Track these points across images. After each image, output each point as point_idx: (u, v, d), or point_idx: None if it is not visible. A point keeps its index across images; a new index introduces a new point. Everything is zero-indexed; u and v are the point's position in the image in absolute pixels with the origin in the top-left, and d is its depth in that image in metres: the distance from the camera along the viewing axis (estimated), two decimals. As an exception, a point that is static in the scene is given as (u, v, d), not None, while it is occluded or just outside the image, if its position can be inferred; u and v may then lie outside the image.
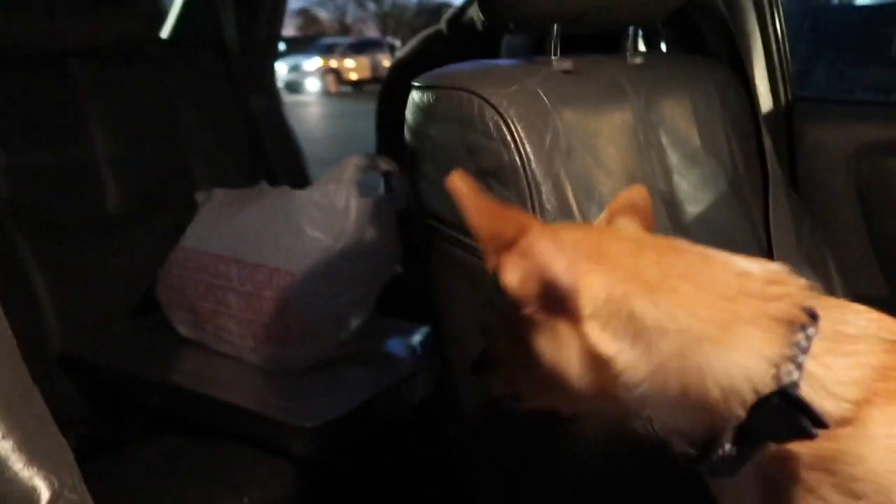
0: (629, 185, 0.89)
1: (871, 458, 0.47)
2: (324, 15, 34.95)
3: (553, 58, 0.87)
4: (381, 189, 1.37)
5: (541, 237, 0.49)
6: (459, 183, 0.50)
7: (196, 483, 1.11)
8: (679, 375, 0.49)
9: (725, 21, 1.27)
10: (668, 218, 0.96)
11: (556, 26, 0.86)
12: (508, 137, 0.71)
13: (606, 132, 0.88)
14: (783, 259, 1.11)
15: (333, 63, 17.79)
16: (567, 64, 0.88)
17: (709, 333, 0.48)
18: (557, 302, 0.49)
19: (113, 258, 1.57)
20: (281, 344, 1.25)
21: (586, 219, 0.76)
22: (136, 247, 1.60)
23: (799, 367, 0.47)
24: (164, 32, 2.03)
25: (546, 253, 0.49)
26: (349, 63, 18.09)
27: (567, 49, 0.86)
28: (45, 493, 0.39)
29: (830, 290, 1.23)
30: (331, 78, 17.63)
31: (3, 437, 0.39)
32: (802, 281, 0.52)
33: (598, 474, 0.71)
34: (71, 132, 1.56)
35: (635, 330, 0.49)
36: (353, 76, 17.96)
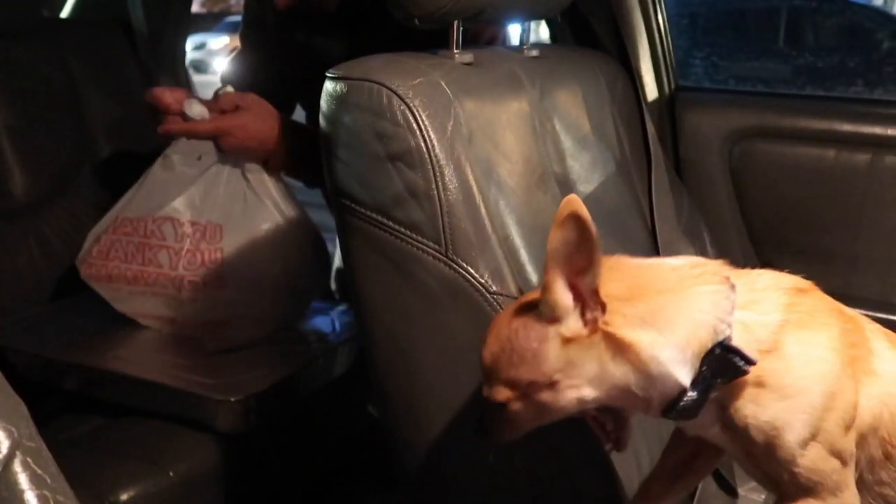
0: (525, 168, 0.99)
1: (790, 368, 0.66)
2: (230, -9, 33.69)
3: (455, 51, 0.95)
4: None
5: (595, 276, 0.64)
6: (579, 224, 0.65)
7: (120, 460, 1.13)
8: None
9: (613, 17, 1.39)
10: (562, 197, 1.06)
11: (456, 22, 0.94)
12: (414, 125, 0.79)
13: (504, 120, 0.97)
14: (665, 233, 1.25)
15: (241, 42, 17.17)
16: (468, 57, 0.97)
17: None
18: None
19: (22, 243, 1.55)
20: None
21: (485, 197, 0.85)
22: (45, 230, 1.58)
23: (729, 324, 0.65)
24: (65, 12, 1.98)
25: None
26: (258, 42, 17.49)
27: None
28: (5, 443, 0.44)
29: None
30: (238, 57, 17.02)
31: (-36, 396, 0.44)
32: (717, 261, 0.70)
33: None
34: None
35: (645, 324, 0.65)
36: (262, 56, 17.41)
